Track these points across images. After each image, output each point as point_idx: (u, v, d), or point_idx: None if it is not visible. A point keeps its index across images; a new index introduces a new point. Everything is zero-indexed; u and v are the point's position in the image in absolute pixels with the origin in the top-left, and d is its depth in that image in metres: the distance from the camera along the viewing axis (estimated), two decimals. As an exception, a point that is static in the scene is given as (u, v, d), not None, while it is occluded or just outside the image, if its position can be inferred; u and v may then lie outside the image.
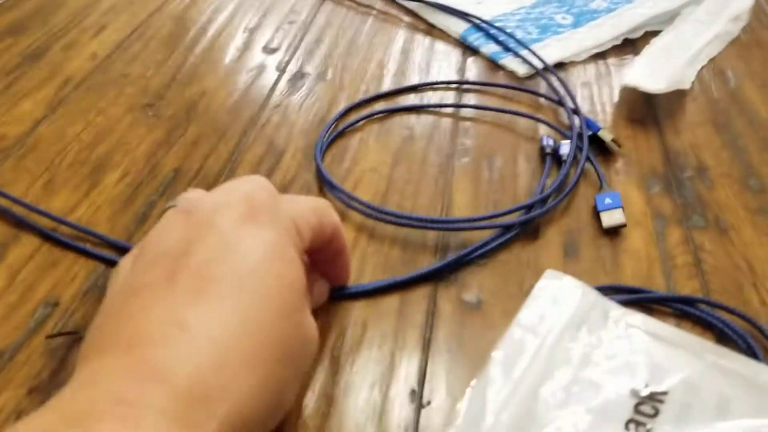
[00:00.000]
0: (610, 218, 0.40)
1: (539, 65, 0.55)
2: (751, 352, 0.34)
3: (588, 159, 0.45)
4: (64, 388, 0.22)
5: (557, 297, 0.34)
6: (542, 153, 0.46)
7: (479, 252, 0.39)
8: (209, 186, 0.43)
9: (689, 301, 0.36)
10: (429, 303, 0.36)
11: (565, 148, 0.45)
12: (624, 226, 0.40)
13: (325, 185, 0.43)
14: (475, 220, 0.40)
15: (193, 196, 0.30)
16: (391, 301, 0.36)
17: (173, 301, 0.24)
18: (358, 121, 0.49)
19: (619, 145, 0.46)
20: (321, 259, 0.33)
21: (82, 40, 0.58)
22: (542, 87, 0.54)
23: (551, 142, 0.46)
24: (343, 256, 0.34)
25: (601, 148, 0.47)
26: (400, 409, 0.31)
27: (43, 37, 0.58)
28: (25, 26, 0.59)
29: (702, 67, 0.57)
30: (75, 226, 0.39)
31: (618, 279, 0.38)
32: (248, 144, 0.47)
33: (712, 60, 0.58)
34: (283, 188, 0.43)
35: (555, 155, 0.46)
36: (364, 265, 0.38)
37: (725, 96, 0.54)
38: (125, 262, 0.28)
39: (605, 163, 0.46)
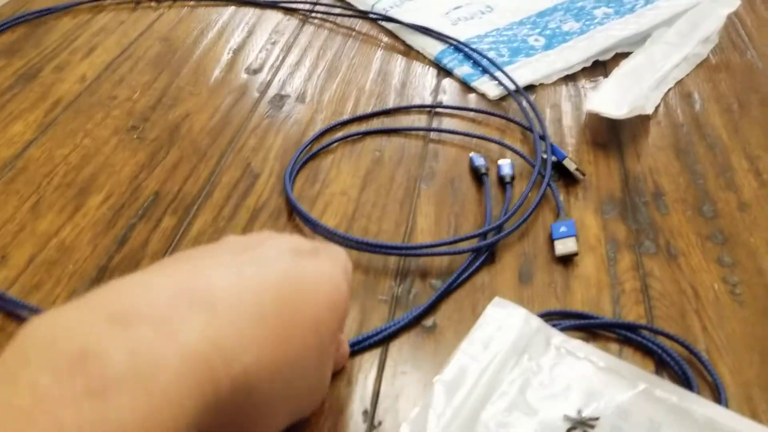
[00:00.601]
0: (563, 247, 0.42)
1: (510, 87, 0.57)
2: (685, 379, 0.36)
3: (549, 185, 0.47)
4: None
5: (502, 324, 0.36)
6: (476, 174, 0.48)
7: (453, 283, 0.41)
8: (187, 207, 0.46)
9: (631, 328, 0.38)
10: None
11: (506, 168, 0.47)
12: (576, 254, 0.42)
13: (293, 211, 0.46)
14: (432, 246, 0.42)
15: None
16: (351, 324, 0.39)
17: (235, 262, 0.27)
18: (331, 144, 0.51)
19: (582, 174, 0.48)
20: None
21: (73, 62, 0.60)
22: (513, 109, 0.56)
23: (482, 162, 0.48)
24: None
25: (565, 175, 0.49)
26: (354, 428, 0.34)
27: (36, 58, 0.60)
28: (18, 47, 0.62)
29: (669, 90, 0.59)
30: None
31: (568, 304, 0.40)
32: (226, 166, 0.49)
33: (679, 82, 0.60)
34: (256, 212, 0.46)
35: (499, 179, 0.48)
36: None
37: (689, 120, 0.56)
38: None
39: (566, 188, 0.48)
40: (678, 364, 0.36)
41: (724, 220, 0.46)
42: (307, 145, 0.51)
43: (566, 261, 0.43)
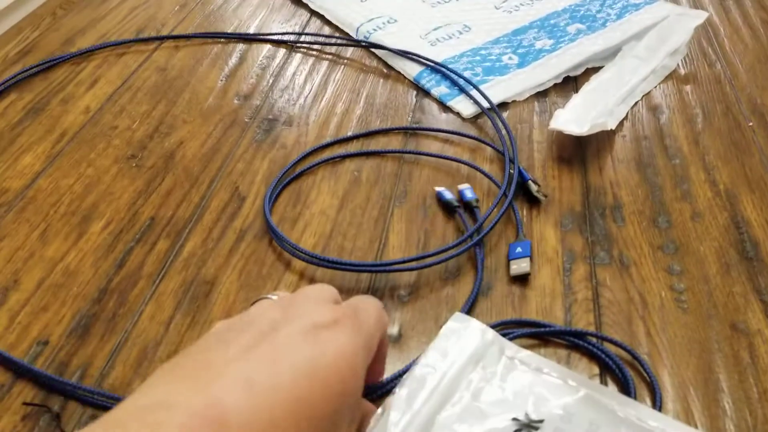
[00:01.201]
0: (517, 267, 0.46)
1: (484, 105, 0.61)
2: (625, 382, 0.39)
3: (511, 205, 0.50)
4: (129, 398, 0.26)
5: (460, 337, 0.40)
6: (447, 207, 0.52)
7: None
8: (179, 231, 0.50)
9: (578, 335, 0.42)
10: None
11: (468, 194, 0.51)
12: (528, 274, 0.46)
13: (273, 236, 0.50)
14: (400, 262, 0.46)
15: (287, 294, 0.34)
16: (325, 337, 0.43)
17: (248, 363, 0.27)
18: (312, 167, 0.56)
19: (544, 195, 0.51)
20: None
21: (78, 94, 0.65)
22: (487, 126, 0.60)
23: (448, 196, 0.51)
24: (384, 357, 0.37)
25: (530, 194, 0.52)
26: None
27: (43, 92, 0.65)
28: (28, 81, 0.66)
29: (636, 103, 0.63)
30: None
31: (524, 313, 0.44)
32: (216, 191, 0.54)
33: (647, 95, 0.64)
34: (242, 233, 0.50)
35: (465, 205, 0.51)
36: (305, 304, 0.45)
37: (653, 132, 0.59)
38: (219, 325, 0.31)
39: (530, 203, 0.52)
40: (620, 368, 0.40)
41: (677, 230, 0.49)
42: (287, 170, 0.55)
43: (523, 278, 0.46)
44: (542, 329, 0.42)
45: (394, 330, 0.43)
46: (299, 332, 0.29)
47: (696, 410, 0.38)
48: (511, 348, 0.40)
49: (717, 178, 0.54)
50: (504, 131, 0.58)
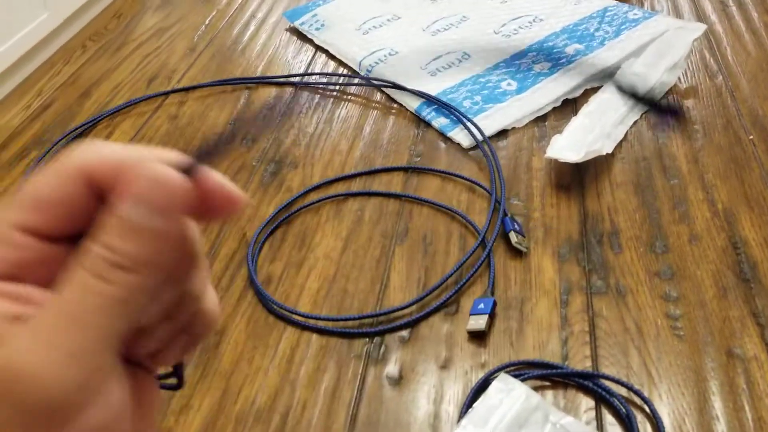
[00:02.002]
0: (474, 323, 0.46)
1: (479, 138, 0.62)
2: (627, 418, 0.40)
3: (488, 257, 0.51)
4: None
5: (504, 399, 0.41)
6: None
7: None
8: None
9: (589, 377, 0.42)
10: (358, 381, 0.44)
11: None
12: (484, 331, 0.45)
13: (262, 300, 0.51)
14: (394, 311, 0.47)
15: None
16: (328, 381, 0.44)
17: None
18: (312, 204, 0.57)
19: (525, 248, 0.51)
20: None
21: (94, 147, 0.68)
22: (483, 157, 0.61)
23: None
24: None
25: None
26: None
27: (60, 146, 0.68)
28: (46, 135, 0.70)
29: (635, 122, 0.63)
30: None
31: (521, 348, 0.45)
32: (225, 239, 0.56)
33: (646, 113, 0.64)
34: (249, 280, 0.52)
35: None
36: (306, 350, 0.46)
37: (651, 152, 0.60)
38: None
39: (528, 231, 0.53)
40: (623, 405, 0.41)
41: (673, 255, 0.50)
42: (267, 222, 0.56)
43: (522, 305, 0.47)
44: (553, 371, 0.43)
45: (394, 371, 0.45)
46: None
47: (690, 441, 0.39)
48: (556, 414, 0.40)
49: (716, 197, 0.54)
50: (496, 173, 0.59)
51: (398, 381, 0.44)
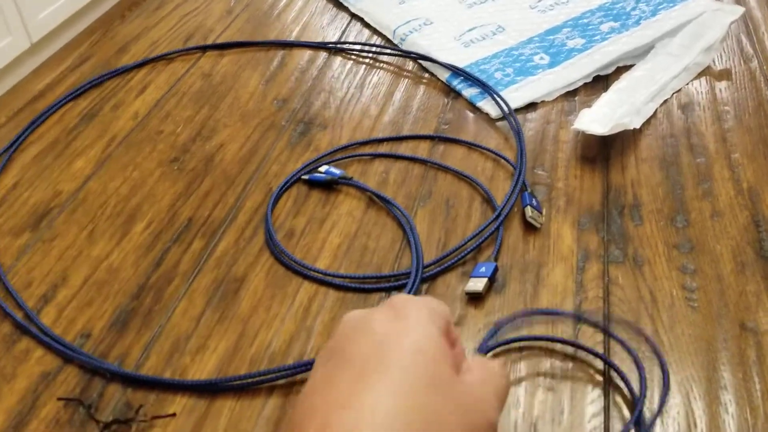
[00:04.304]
0: (472, 284, 0.46)
1: (506, 110, 0.62)
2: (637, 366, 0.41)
3: (497, 229, 0.51)
4: None
5: None
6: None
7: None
8: (214, 231, 0.53)
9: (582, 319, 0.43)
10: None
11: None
12: (480, 294, 0.46)
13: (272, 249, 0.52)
14: (400, 275, 0.48)
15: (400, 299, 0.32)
16: (343, 331, 0.45)
17: (350, 398, 0.27)
18: (341, 159, 0.58)
19: (540, 224, 0.51)
20: None
21: (128, 100, 0.69)
22: (510, 129, 0.61)
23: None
24: None
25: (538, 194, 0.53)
26: None
27: (97, 98, 0.70)
28: (84, 90, 0.71)
29: (666, 101, 0.63)
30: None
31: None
32: (250, 192, 0.57)
33: (678, 92, 0.64)
34: (267, 237, 0.53)
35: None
36: (324, 301, 0.47)
37: (680, 130, 0.59)
38: (322, 356, 0.31)
39: (549, 201, 0.53)
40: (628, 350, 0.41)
41: (694, 229, 0.50)
42: (298, 172, 0.57)
43: (538, 269, 0.48)
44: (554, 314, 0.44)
45: (408, 325, 0.45)
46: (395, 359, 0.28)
47: (697, 407, 0.39)
48: None
49: (741, 176, 0.54)
50: (518, 147, 0.59)
51: (411, 334, 0.45)
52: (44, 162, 0.61)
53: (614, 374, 0.41)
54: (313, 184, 0.57)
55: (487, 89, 0.64)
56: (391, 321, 0.30)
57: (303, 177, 0.57)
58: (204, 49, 0.76)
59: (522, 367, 0.42)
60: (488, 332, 0.43)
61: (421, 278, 0.48)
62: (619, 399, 0.40)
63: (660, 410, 0.39)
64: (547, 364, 0.42)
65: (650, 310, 0.45)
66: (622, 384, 0.41)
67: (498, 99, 0.62)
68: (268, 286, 0.49)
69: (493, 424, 0.29)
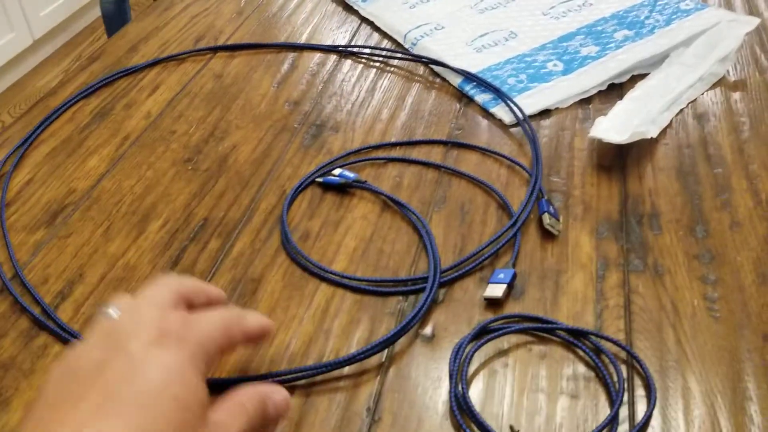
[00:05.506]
0: (491, 291, 0.46)
1: (520, 116, 0.62)
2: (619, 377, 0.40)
3: (515, 235, 0.50)
4: None
5: None
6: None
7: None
8: (230, 232, 0.53)
9: (579, 334, 0.43)
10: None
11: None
12: (499, 299, 0.46)
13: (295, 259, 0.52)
14: (417, 279, 0.48)
15: (121, 303, 0.35)
16: (361, 333, 0.45)
17: (81, 417, 0.29)
18: (354, 162, 0.58)
19: (558, 231, 0.51)
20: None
21: (140, 99, 0.69)
22: (524, 135, 0.61)
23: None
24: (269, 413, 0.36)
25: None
26: (360, 423, 0.40)
27: (108, 97, 0.69)
28: (95, 88, 0.71)
29: (681, 110, 0.63)
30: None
31: (555, 317, 0.45)
32: (264, 194, 0.56)
33: (693, 102, 0.64)
34: (283, 239, 0.52)
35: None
36: (341, 304, 0.47)
37: (696, 140, 0.59)
38: (54, 371, 0.32)
39: (566, 209, 0.53)
40: (614, 365, 0.41)
41: (714, 240, 0.50)
42: (313, 174, 0.57)
43: (557, 277, 0.47)
44: (545, 325, 0.43)
45: (428, 330, 0.45)
46: (124, 369, 0.31)
47: (722, 417, 0.39)
48: None
49: (759, 187, 0.54)
50: (534, 154, 0.59)
51: (430, 339, 0.44)
52: (57, 160, 0.61)
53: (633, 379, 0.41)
54: (327, 187, 0.56)
55: (500, 95, 0.64)
56: (151, 344, 0.32)
57: (317, 179, 0.57)
58: (214, 50, 0.76)
59: (543, 373, 0.42)
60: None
61: (439, 282, 0.47)
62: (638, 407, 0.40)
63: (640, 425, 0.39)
64: (569, 370, 0.42)
65: (672, 320, 0.44)
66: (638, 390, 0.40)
67: (512, 105, 0.62)
68: (285, 287, 0.48)
69: None
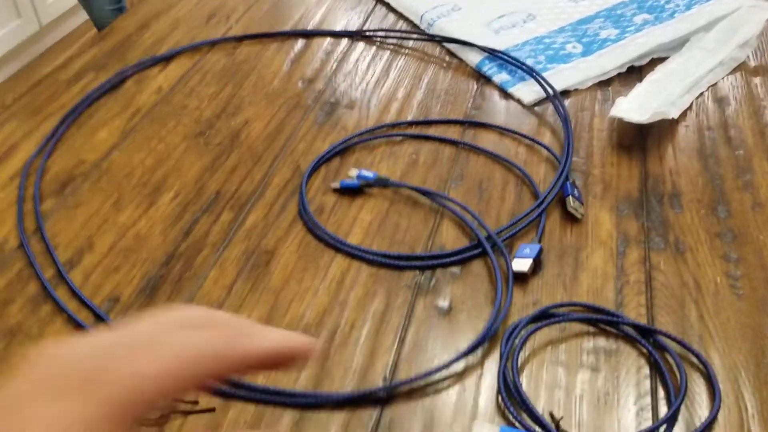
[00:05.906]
0: (517, 265, 0.45)
1: (543, 94, 0.61)
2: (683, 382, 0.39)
3: (540, 216, 0.50)
4: None
5: None
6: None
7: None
8: (242, 205, 0.52)
9: (642, 331, 0.42)
10: (407, 308, 0.44)
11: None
12: (526, 274, 0.45)
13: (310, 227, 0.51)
14: (445, 255, 0.47)
15: (54, 352, 0.21)
16: (377, 306, 0.44)
17: None
18: (369, 139, 0.57)
19: (581, 215, 0.50)
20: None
21: (151, 75, 0.68)
22: (547, 113, 0.60)
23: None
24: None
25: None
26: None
27: (119, 72, 0.68)
28: (105, 62, 0.70)
29: (702, 94, 0.62)
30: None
31: (575, 293, 0.44)
32: (278, 168, 0.56)
33: (713, 86, 0.63)
34: (297, 212, 0.51)
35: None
36: (357, 276, 0.46)
37: (717, 123, 0.58)
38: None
39: (586, 187, 0.52)
40: (678, 367, 0.39)
41: (736, 220, 0.49)
42: (329, 151, 0.56)
43: (576, 253, 0.46)
44: (603, 316, 0.42)
45: (444, 303, 0.44)
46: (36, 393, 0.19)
47: (746, 392, 0.38)
48: None
49: (782, 169, 0.53)
50: (563, 133, 0.58)
51: (447, 312, 0.43)
52: (66, 132, 0.60)
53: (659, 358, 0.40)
54: (344, 191, 0.53)
55: (531, 73, 0.62)
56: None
57: (333, 186, 0.53)
58: (240, 39, 0.75)
59: (564, 347, 0.41)
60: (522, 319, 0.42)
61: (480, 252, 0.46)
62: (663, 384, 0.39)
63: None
64: (590, 344, 0.41)
65: (694, 296, 0.43)
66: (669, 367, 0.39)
67: (543, 83, 0.61)
68: (300, 258, 0.47)
69: None
